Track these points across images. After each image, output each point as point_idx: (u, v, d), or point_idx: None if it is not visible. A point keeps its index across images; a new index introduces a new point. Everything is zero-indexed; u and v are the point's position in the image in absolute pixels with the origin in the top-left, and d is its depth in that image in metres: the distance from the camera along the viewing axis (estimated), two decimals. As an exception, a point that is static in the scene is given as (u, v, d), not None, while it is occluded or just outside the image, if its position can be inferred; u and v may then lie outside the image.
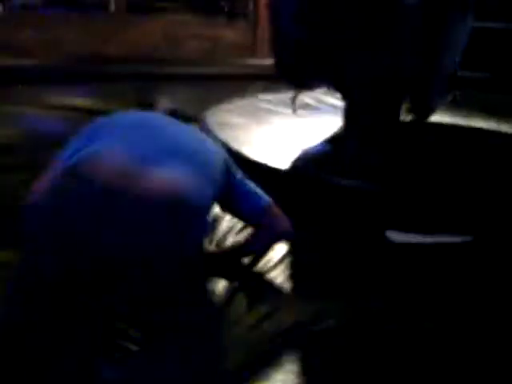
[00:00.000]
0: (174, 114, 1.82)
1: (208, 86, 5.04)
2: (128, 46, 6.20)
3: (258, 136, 3.19)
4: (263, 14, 6.75)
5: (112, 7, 6.90)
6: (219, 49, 6.39)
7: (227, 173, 1.69)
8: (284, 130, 3.36)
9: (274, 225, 1.76)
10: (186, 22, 7.12)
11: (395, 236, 2.44)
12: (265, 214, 1.73)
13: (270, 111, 3.75)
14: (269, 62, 6.06)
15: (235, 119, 3.52)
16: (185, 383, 1.30)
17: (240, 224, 2.07)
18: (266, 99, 4.12)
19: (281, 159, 2.78)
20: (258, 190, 1.77)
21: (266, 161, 2.75)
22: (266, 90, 4.82)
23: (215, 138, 3.09)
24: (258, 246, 1.80)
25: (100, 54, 5.56)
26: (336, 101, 3.72)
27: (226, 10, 7.00)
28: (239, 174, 1.77)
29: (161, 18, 6.58)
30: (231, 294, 1.63)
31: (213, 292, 1.64)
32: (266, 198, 1.76)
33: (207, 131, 3.23)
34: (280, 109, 3.81)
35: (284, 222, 1.78)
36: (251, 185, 1.78)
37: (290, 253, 1.99)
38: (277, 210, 1.77)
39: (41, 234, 1.25)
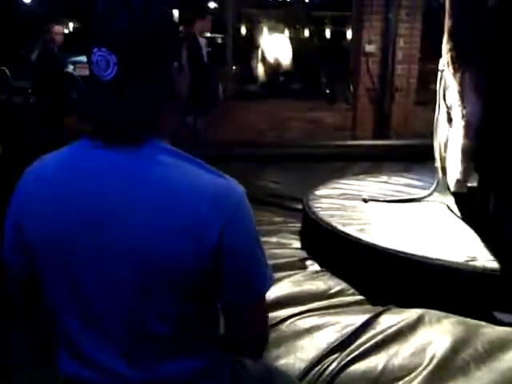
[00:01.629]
0: None
1: (310, 167, 5.25)
2: (235, 130, 6.63)
3: (364, 219, 3.27)
4: (362, 97, 7.01)
5: (221, 96, 7.45)
6: (320, 131, 6.67)
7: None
8: (387, 214, 3.43)
9: (243, 330, 1.19)
10: (289, 106, 7.53)
11: (503, 316, 2.44)
12: (240, 314, 1.17)
13: (370, 193, 3.85)
14: (368, 143, 6.25)
15: (339, 201, 3.65)
16: None
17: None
18: (367, 180, 4.23)
19: (389, 241, 2.87)
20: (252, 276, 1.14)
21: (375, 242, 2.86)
22: (366, 171, 4.96)
23: (320, 220, 3.26)
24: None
25: (208, 138, 5.99)
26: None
27: (327, 94, 7.33)
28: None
29: (266, 104, 7.00)
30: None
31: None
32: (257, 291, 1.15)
33: (312, 213, 3.41)
34: (380, 191, 3.90)
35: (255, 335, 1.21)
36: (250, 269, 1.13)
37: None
38: (259, 313, 1.20)
39: None
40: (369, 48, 7.10)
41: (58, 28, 5.51)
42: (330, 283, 2.84)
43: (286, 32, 10.74)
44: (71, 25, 18.97)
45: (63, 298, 1.13)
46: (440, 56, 3.47)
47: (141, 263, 1.05)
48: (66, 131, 5.22)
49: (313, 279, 2.91)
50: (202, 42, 5.53)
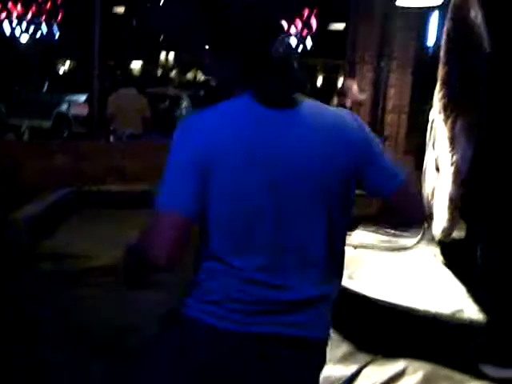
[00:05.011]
0: None
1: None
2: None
3: (353, 266, 3.24)
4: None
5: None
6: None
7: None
8: (375, 261, 3.43)
9: (405, 206, 1.54)
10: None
11: (489, 370, 2.42)
12: (396, 193, 1.50)
13: (359, 240, 3.84)
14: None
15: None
16: None
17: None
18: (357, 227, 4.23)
19: (376, 290, 2.86)
20: (393, 166, 1.53)
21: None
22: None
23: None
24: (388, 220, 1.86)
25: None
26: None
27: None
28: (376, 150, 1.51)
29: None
30: None
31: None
32: (401, 175, 1.51)
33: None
34: (369, 238, 3.90)
35: (416, 204, 1.64)
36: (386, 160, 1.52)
37: None
38: (411, 189, 1.57)
39: None
40: (360, 96, 7.23)
41: None
42: (316, 331, 2.81)
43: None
44: (67, 64, 19.20)
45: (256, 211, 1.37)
46: (430, 106, 3.54)
47: (320, 175, 1.40)
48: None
49: (299, 327, 2.87)
50: None
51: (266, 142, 1.38)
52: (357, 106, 7.24)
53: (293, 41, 9.71)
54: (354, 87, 6.56)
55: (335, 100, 6.63)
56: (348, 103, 6.51)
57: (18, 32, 9.82)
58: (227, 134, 1.37)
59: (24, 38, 10.23)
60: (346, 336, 2.76)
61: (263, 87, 1.40)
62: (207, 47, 1.46)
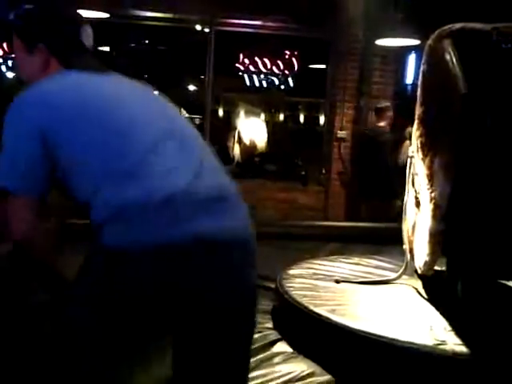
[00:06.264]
0: None
1: (283, 246, 5.27)
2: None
3: (336, 300, 3.29)
4: (334, 180, 7.20)
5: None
6: (293, 211, 6.79)
7: None
8: (358, 295, 3.46)
9: None
10: (264, 186, 7.67)
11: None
12: None
13: (342, 274, 3.88)
14: (339, 224, 6.36)
15: (312, 281, 3.67)
16: None
17: None
18: (339, 261, 4.27)
19: (359, 323, 2.88)
20: None
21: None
22: (338, 252, 5.01)
23: (292, 300, 3.27)
24: None
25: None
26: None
27: (301, 175, 7.53)
28: None
29: (240, 183, 7.10)
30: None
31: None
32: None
33: (283, 292, 3.42)
34: (352, 272, 3.94)
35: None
36: None
37: None
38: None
39: None
40: (341, 134, 7.38)
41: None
42: (301, 366, 2.82)
43: (262, 116, 11.09)
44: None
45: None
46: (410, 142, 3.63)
47: None
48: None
49: (284, 361, 2.87)
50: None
51: (107, 92, 1.74)
52: (338, 140, 7.38)
53: (276, 80, 9.92)
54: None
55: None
56: None
57: (4, 68, 9.89)
58: (79, 94, 1.70)
59: (10, 75, 10.30)
60: (330, 370, 2.76)
61: (85, 61, 1.80)
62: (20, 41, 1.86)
